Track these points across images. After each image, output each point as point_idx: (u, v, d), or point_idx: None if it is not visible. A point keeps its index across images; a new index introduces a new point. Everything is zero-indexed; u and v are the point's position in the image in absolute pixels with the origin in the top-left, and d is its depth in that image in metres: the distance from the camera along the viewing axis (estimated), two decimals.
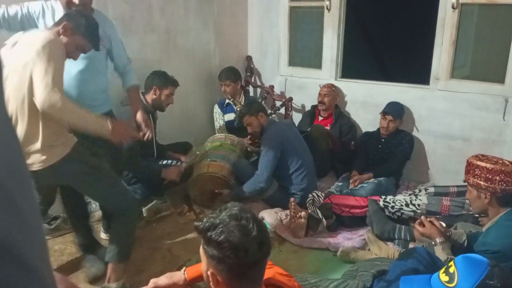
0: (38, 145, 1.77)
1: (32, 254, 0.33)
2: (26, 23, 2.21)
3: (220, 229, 1.15)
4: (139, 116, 2.44)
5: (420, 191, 2.80)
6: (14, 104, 1.74)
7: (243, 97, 3.82)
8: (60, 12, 2.24)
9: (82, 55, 2.19)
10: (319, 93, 3.61)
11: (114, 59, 2.45)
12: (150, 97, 2.96)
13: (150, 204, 2.88)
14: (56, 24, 1.92)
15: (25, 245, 0.32)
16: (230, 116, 3.72)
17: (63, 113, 1.73)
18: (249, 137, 3.40)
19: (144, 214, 2.81)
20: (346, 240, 2.58)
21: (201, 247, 1.20)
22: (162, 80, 2.95)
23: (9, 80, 1.73)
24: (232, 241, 1.13)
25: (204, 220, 1.19)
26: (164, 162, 3.07)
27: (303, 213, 2.62)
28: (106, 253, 2.09)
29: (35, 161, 1.78)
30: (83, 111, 1.84)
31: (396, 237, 2.46)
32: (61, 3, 2.23)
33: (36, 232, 0.36)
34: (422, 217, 2.15)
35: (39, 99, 1.69)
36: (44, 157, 1.79)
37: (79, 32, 1.92)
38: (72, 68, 2.23)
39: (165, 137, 3.30)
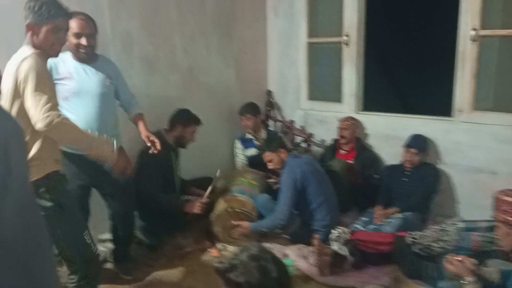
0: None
1: None
2: None
3: (240, 270, 1.13)
4: (144, 133, 2.49)
5: (448, 226, 2.70)
6: None
7: (264, 132, 3.85)
8: (70, 59, 2.34)
9: (91, 92, 2.30)
10: (339, 127, 3.60)
11: (120, 96, 2.55)
12: (173, 134, 3.01)
13: (172, 240, 2.87)
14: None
15: None
16: (251, 151, 3.74)
17: (63, 131, 1.71)
18: (273, 176, 3.39)
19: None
20: (372, 278, 2.49)
21: None
22: (186, 118, 3.02)
23: None
24: (251, 282, 1.11)
25: (224, 261, 1.17)
26: (186, 197, 3.08)
27: (327, 250, 2.56)
28: None
29: None
30: (85, 131, 1.85)
31: (425, 275, 2.36)
32: (70, 49, 2.32)
33: None
34: (450, 255, 2.07)
35: (36, 119, 1.65)
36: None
37: (43, 18, 1.72)
38: (83, 105, 2.30)
39: (187, 172, 3.33)
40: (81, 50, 2.29)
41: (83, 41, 2.27)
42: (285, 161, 2.96)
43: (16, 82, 1.68)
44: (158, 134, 2.96)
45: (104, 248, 2.83)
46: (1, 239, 0.28)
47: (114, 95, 2.51)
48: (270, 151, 2.99)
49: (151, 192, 2.81)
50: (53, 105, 1.69)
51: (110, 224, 2.65)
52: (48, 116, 1.66)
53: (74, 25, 2.22)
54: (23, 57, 1.70)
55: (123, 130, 2.66)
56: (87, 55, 2.33)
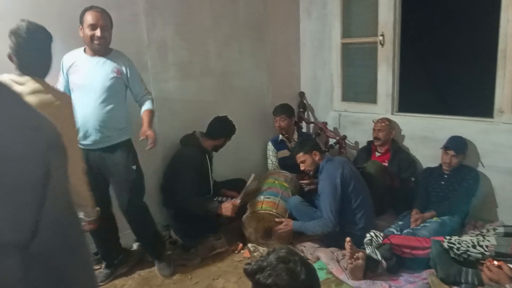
0: None
1: None
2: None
3: (268, 272, 1.15)
4: (143, 128, 2.39)
5: (488, 231, 2.60)
6: None
7: (297, 134, 3.84)
8: (82, 53, 2.39)
9: (94, 85, 2.33)
10: (373, 129, 3.54)
11: (132, 90, 2.55)
12: (214, 143, 3.09)
13: (205, 241, 2.92)
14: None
15: None
16: (284, 153, 3.74)
17: None
18: (305, 176, 3.38)
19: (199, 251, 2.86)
20: (408, 283, 2.43)
21: None
22: (232, 132, 3.16)
23: None
24: (280, 284, 1.12)
25: (252, 263, 1.19)
26: (219, 199, 3.13)
27: (360, 254, 2.52)
28: None
29: None
30: None
31: (463, 281, 2.28)
32: (85, 41, 2.35)
33: None
34: (489, 260, 1.99)
35: None
36: None
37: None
38: (84, 98, 2.34)
39: (220, 174, 3.39)
40: (95, 41, 2.31)
41: (98, 32, 2.29)
42: (321, 164, 2.94)
43: None
44: (193, 137, 3.04)
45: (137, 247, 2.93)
46: (40, 246, 0.30)
47: (124, 89, 2.50)
48: (304, 152, 2.98)
49: (186, 194, 2.87)
50: None
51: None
52: None
53: (89, 17, 2.28)
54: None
55: (157, 131, 2.68)
56: (101, 47, 2.34)
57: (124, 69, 2.45)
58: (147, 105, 2.54)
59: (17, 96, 0.34)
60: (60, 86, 2.40)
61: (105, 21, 2.31)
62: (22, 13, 2.30)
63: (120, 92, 2.47)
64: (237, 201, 2.97)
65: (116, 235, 2.70)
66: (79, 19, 2.33)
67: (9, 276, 0.29)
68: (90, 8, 2.30)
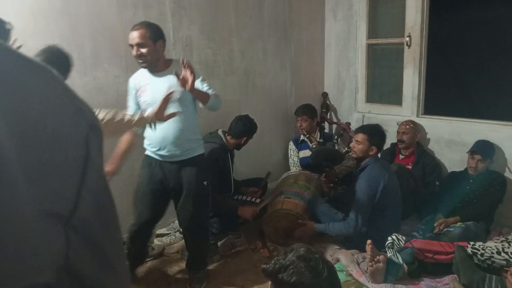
0: None
1: None
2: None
3: (291, 270, 1.15)
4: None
5: None
6: None
7: (319, 134, 3.83)
8: (145, 72, 2.33)
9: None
10: (398, 131, 3.48)
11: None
12: (237, 141, 3.12)
13: (225, 239, 2.95)
14: None
15: None
16: (305, 153, 3.73)
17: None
18: (324, 175, 3.37)
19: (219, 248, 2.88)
20: None
21: None
22: (254, 131, 3.16)
23: None
24: (305, 282, 1.12)
25: (272, 262, 1.19)
26: (240, 197, 3.15)
27: (381, 257, 2.49)
28: None
29: None
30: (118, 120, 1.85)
31: None
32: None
33: (123, 278, 0.41)
34: None
35: None
36: None
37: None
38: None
39: (241, 173, 3.41)
40: (138, 61, 2.26)
41: (133, 51, 2.23)
42: (367, 160, 2.78)
43: None
44: (215, 135, 3.07)
45: (159, 242, 2.98)
46: (82, 221, 0.34)
47: (191, 99, 2.36)
48: (368, 137, 2.77)
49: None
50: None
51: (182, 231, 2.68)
52: None
53: (129, 38, 2.24)
54: None
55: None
56: (146, 64, 2.25)
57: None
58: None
59: (60, 79, 0.37)
60: (130, 108, 2.38)
61: (140, 38, 2.20)
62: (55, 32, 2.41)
63: (188, 103, 2.35)
64: (257, 209, 2.98)
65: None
66: None
67: (52, 244, 0.31)
68: (132, 28, 2.24)
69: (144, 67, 2.29)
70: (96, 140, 0.38)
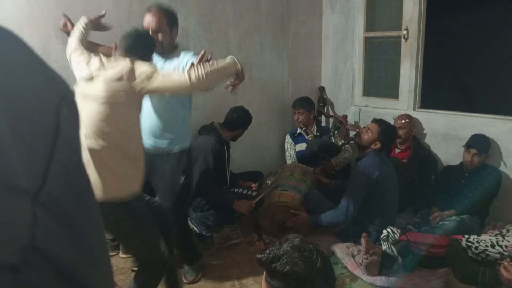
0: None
1: (100, 284, 0.36)
2: None
3: (285, 260, 1.15)
4: None
5: (508, 231, 2.55)
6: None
7: (315, 127, 3.82)
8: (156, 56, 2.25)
9: None
10: (394, 125, 3.48)
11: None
12: (233, 133, 3.09)
13: (221, 231, 2.95)
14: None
15: (93, 276, 0.35)
16: (302, 146, 3.73)
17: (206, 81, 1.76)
18: (320, 167, 3.37)
19: (215, 241, 2.88)
20: (424, 281, 2.39)
21: (263, 281, 1.19)
22: (249, 122, 3.13)
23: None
24: (298, 272, 1.12)
25: (267, 252, 1.19)
26: (236, 190, 3.15)
27: (376, 250, 2.50)
28: None
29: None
30: (217, 68, 1.82)
31: (480, 281, 2.24)
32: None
33: (103, 262, 0.38)
34: (506, 261, 1.94)
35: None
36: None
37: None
38: (150, 102, 2.22)
39: (237, 166, 3.40)
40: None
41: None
42: (369, 152, 2.78)
43: None
44: (212, 127, 3.06)
45: None
46: (50, 196, 0.31)
47: (185, 99, 2.31)
48: (379, 128, 2.78)
49: (204, 184, 2.90)
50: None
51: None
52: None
53: (144, 19, 2.16)
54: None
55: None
56: (159, 50, 2.16)
57: (182, 65, 2.17)
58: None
59: (30, 47, 0.34)
60: None
61: (157, 23, 2.13)
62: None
63: (181, 100, 2.29)
64: (253, 203, 2.98)
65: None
66: None
67: (18, 220, 0.29)
68: (147, 8, 2.17)
69: (156, 52, 2.16)
70: (69, 113, 0.35)
